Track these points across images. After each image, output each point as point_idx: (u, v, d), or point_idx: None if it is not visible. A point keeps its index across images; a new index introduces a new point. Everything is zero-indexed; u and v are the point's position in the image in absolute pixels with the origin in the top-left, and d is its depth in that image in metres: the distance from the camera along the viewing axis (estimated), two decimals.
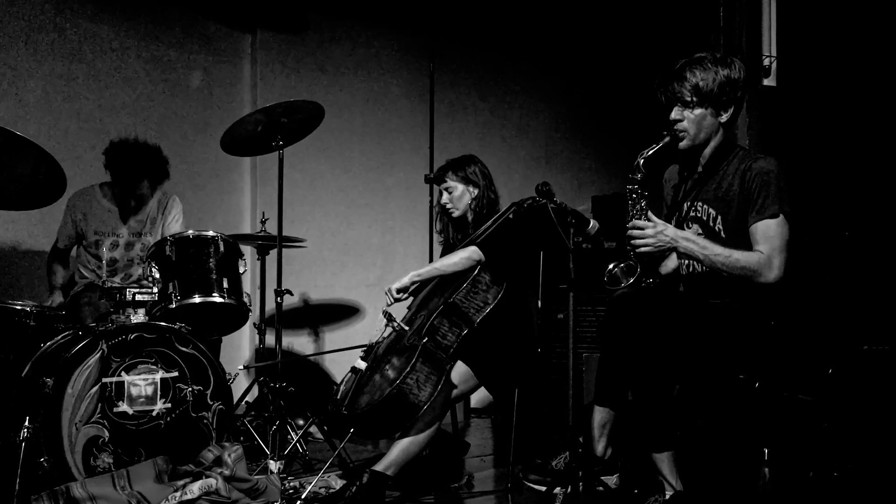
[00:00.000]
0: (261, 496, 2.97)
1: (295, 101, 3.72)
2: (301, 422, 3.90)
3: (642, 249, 2.77)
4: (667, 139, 2.86)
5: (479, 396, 5.00)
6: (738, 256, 2.72)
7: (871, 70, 4.82)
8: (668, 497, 2.72)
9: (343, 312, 5.35)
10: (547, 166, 6.16)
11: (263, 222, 4.19)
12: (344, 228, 5.39)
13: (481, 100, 5.93)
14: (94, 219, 4.00)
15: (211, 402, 3.17)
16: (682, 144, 2.88)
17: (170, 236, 3.52)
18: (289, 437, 3.62)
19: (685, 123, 2.85)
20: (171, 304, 3.38)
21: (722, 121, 2.87)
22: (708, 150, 2.91)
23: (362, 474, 3.02)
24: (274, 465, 3.29)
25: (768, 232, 2.73)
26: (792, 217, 2.75)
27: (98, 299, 3.74)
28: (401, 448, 3.07)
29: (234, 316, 3.68)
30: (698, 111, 2.84)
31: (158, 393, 3.08)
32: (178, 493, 2.85)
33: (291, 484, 3.13)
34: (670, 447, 2.74)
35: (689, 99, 2.82)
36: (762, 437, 3.09)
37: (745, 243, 2.77)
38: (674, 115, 2.86)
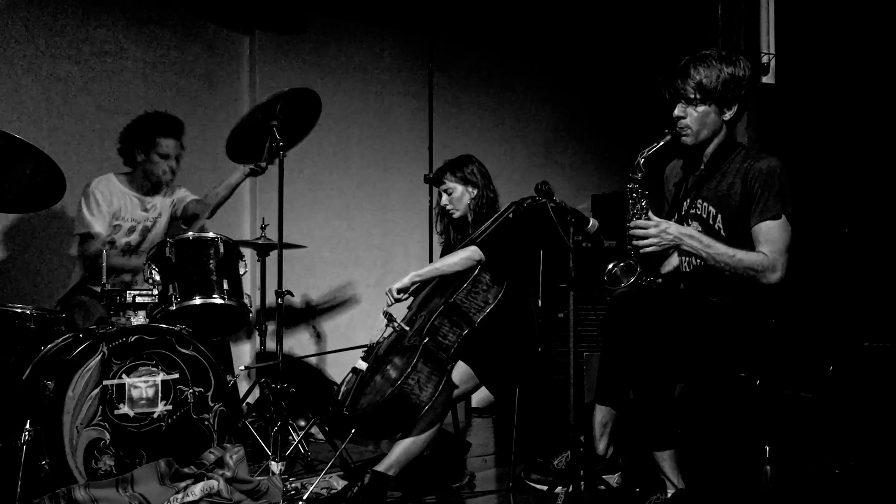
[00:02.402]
0: (262, 497, 2.96)
1: (288, 91, 3.69)
2: (302, 423, 3.90)
3: (646, 249, 2.76)
4: (668, 137, 2.85)
5: (481, 396, 4.98)
6: (742, 257, 2.72)
7: (870, 67, 4.82)
8: (669, 495, 2.72)
9: (343, 313, 5.35)
10: (546, 165, 6.15)
11: (263, 228, 4.19)
12: (344, 229, 5.39)
13: (480, 99, 5.92)
14: (115, 205, 3.98)
15: (212, 404, 3.17)
16: (685, 142, 2.87)
17: (170, 238, 3.53)
18: (290, 438, 3.61)
19: (688, 120, 2.84)
20: (172, 305, 3.39)
21: (725, 119, 2.86)
22: (710, 149, 2.90)
23: (364, 475, 3.02)
24: (276, 467, 3.29)
25: (771, 233, 2.73)
26: (794, 217, 2.75)
27: (98, 301, 3.74)
28: (402, 448, 3.07)
29: (234, 317, 3.68)
30: (702, 108, 2.83)
31: (159, 395, 3.07)
32: (179, 495, 2.85)
33: (293, 485, 3.13)
34: (672, 445, 2.73)
35: (692, 96, 2.81)
36: (764, 434, 3.10)
37: (746, 242, 2.77)
38: (677, 111, 2.86)
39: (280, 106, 3.68)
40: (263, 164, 3.95)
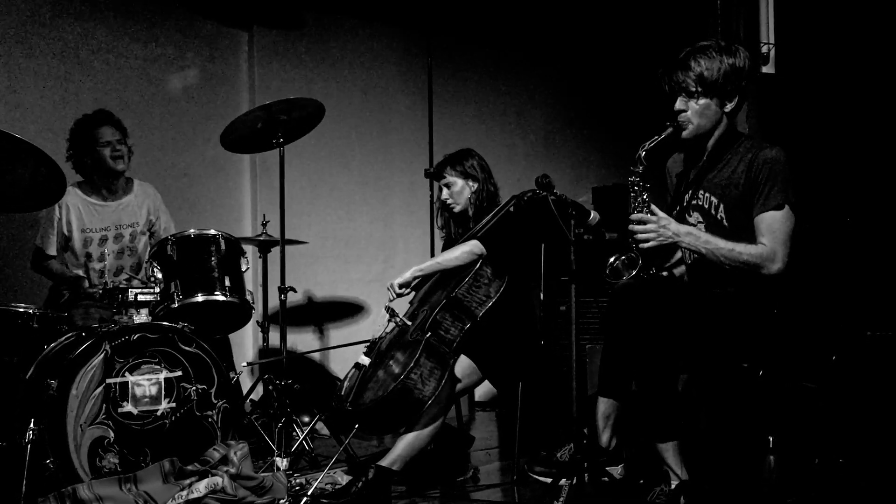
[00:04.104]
0: (267, 493, 2.97)
1: (296, 99, 3.71)
2: (306, 418, 3.91)
3: (645, 245, 2.76)
4: (669, 130, 2.84)
5: (484, 390, 5.00)
6: (741, 250, 2.71)
7: (870, 56, 4.81)
8: (673, 486, 2.72)
9: (345, 308, 5.35)
10: (546, 158, 6.15)
11: (264, 225, 4.19)
12: (345, 224, 5.39)
13: (480, 93, 5.92)
14: (79, 217, 4.00)
15: (215, 401, 3.17)
16: (686, 135, 2.86)
17: (171, 236, 3.53)
18: (294, 434, 3.62)
19: (689, 114, 2.83)
20: (174, 303, 3.39)
21: (726, 110, 2.85)
22: (712, 140, 2.89)
23: (368, 469, 3.03)
24: (280, 462, 3.29)
25: (773, 223, 2.72)
26: (797, 207, 2.74)
27: (101, 303, 3.74)
28: (406, 443, 3.08)
29: (237, 314, 3.68)
30: (703, 101, 2.82)
31: (163, 393, 3.08)
32: (184, 492, 2.85)
33: (297, 480, 3.13)
34: (675, 437, 2.73)
35: (693, 89, 2.80)
36: (767, 425, 3.10)
37: (749, 232, 2.77)
38: (678, 105, 2.84)
39: (283, 117, 3.71)
40: None
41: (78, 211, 4.02)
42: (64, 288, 3.99)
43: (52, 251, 4.02)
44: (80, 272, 3.99)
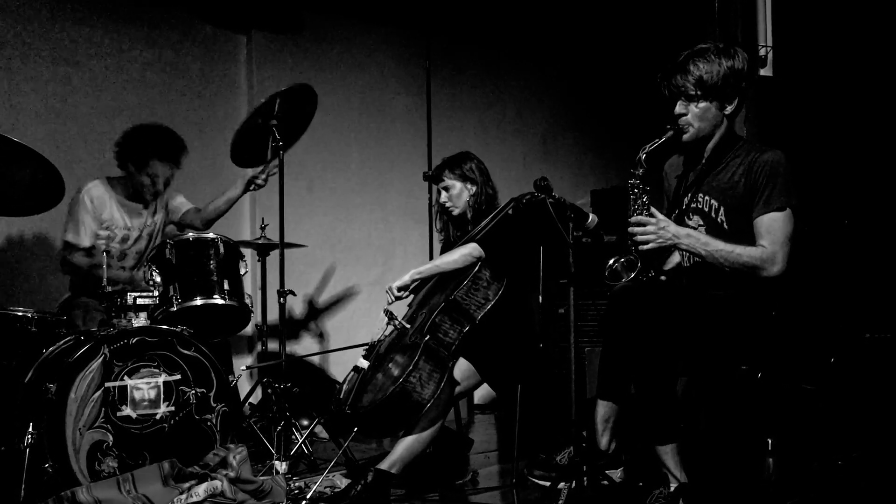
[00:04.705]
0: (266, 497, 2.96)
1: (286, 90, 3.66)
2: (305, 422, 3.91)
3: (644, 246, 2.77)
4: (670, 133, 2.84)
5: (483, 393, 5.00)
6: (741, 252, 2.72)
7: (868, 58, 4.82)
8: (672, 489, 2.72)
9: (344, 312, 5.35)
10: (545, 161, 6.15)
11: (263, 228, 4.19)
12: (343, 228, 5.39)
13: (478, 96, 5.92)
14: (105, 213, 3.94)
15: (214, 405, 3.17)
16: (687, 138, 2.86)
17: (169, 239, 3.53)
18: (293, 437, 3.62)
19: (689, 117, 2.83)
20: (173, 307, 3.39)
21: (726, 113, 2.85)
22: (712, 143, 2.90)
23: (367, 473, 3.03)
24: (279, 466, 3.29)
25: (773, 225, 2.73)
26: (798, 210, 2.75)
27: (99, 304, 3.74)
28: (405, 446, 3.08)
29: (236, 317, 3.68)
30: (703, 104, 2.82)
31: (161, 396, 3.08)
32: (183, 496, 2.85)
33: (297, 484, 3.13)
34: (674, 439, 2.74)
35: (693, 92, 2.80)
36: (766, 427, 3.10)
37: (749, 235, 2.77)
38: (678, 108, 2.84)
39: (279, 104, 3.66)
40: (264, 178, 3.92)
41: (103, 204, 3.94)
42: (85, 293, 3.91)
43: (86, 242, 3.87)
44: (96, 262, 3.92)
